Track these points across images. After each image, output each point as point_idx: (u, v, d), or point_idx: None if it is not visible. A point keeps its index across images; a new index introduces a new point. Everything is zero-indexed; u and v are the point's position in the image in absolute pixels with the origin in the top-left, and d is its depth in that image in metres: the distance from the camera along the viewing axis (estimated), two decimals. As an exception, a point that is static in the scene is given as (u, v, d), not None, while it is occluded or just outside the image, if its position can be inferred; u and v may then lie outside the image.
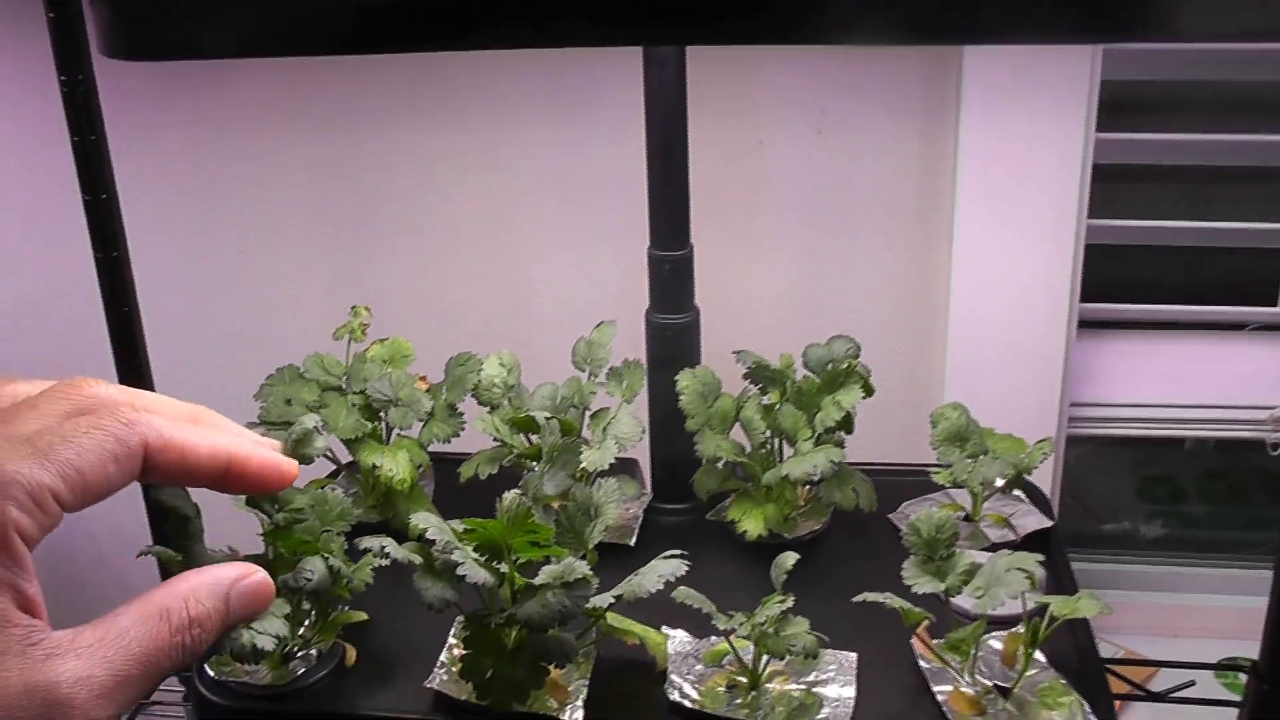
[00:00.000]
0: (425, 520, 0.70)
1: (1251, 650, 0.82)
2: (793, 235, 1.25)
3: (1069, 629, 0.77)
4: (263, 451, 0.52)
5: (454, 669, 0.75)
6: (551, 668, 0.72)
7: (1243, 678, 1.17)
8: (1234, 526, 1.53)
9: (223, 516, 0.73)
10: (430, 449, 0.91)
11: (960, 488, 0.89)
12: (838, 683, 0.75)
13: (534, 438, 0.88)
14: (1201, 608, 1.48)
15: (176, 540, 0.70)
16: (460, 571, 0.68)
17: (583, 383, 0.92)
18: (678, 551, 0.74)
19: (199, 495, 0.65)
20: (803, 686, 0.75)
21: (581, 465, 0.84)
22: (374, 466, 0.88)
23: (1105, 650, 0.80)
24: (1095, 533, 1.54)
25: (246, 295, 1.35)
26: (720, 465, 0.91)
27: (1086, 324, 1.30)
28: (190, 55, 0.84)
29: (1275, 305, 1.34)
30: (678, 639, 0.79)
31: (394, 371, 0.91)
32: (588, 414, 0.91)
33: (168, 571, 0.72)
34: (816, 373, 0.89)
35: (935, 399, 1.27)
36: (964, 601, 0.74)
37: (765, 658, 0.74)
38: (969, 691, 0.74)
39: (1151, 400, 1.33)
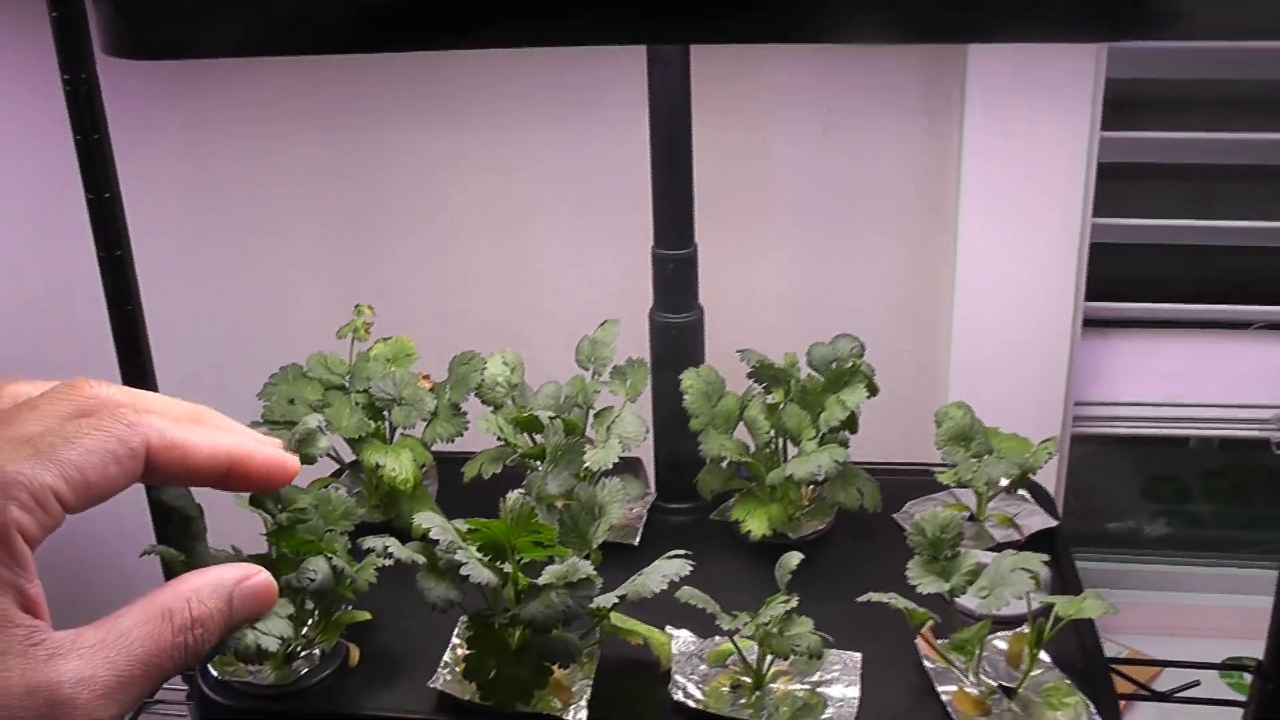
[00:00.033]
0: (429, 520, 0.70)
1: (1256, 650, 0.82)
2: (797, 234, 1.25)
3: (1074, 629, 0.77)
4: (265, 448, 0.52)
5: (458, 669, 0.75)
6: (555, 668, 0.72)
7: (1248, 677, 1.17)
8: (1238, 525, 1.53)
9: (226, 516, 0.72)
10: (434, 448, 0.91)
11: (965, 487, 0.89)
12: (842, 683, 0.75)
13: (538, 437, 0.88)
14: (1206, 607, 1.48)
15: (179, 540, 0.70)
16: (464, 571, 0.68)
17: (586, 382, 0.92)
18: (682, 551, 0.73)
19: (202, 494, 0.64)
20: (807, 687, 0.74)
21: (585, 465, 0.83)
22: (377, 466, 0.87)
23: (1109, 649, 0.79)
24: (1099, 532, 1.53)
25: (250, 294, 1.35)
26: (724, 465, 0.91)
27: (1091, 323, 1.30)
28: (193, 54, 0.84)
29: (1280, 304, 1.34)
30: (682, 639, 0.79)
31: (397, 370, 0.91)
32: (591, 413, 0.91)
33: (171, 571, 0.72)
34: (821, 372, 0.89)
35: (940, 398, 1.27)
36: (969, 601, 0.74)
37: (769, 658, 0.74)
38: (973, 692, 0.73)
39: (1156, 399, 1.32)
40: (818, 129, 1.20)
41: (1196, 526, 1.53)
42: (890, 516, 0.92)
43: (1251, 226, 1.29)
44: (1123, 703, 0.85)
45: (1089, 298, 1.24)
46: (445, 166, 1.27)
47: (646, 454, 0.96)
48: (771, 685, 0.74)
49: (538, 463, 0.86)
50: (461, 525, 0.70)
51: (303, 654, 0.77)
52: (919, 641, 0.77)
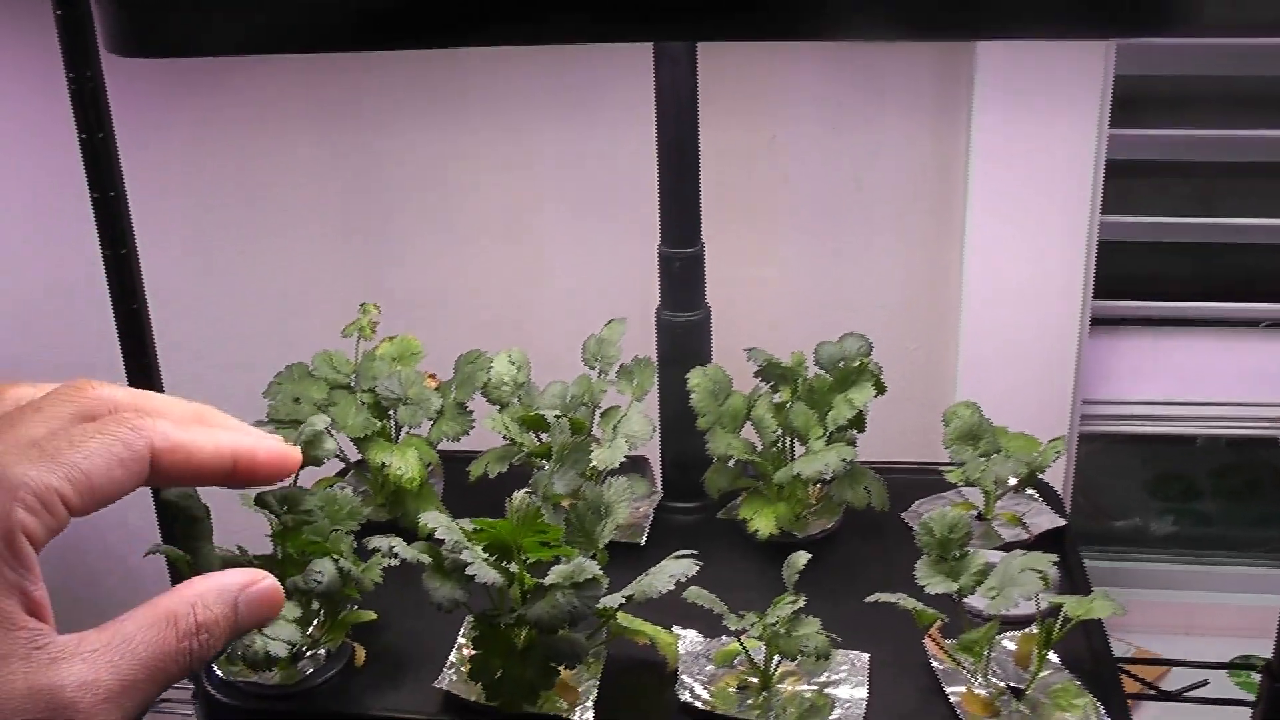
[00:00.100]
0: (434, 520, 0.70)
1: (1264, 649, 0.82)
2: (804, 232, 1.24)
3: (1083, 629, 0.77)
4: (267, 443, 0.52)
5: (463, 669, 0.75)
6: (561, 668, 0.72)
7: (1256, 677, 1.16)
8: (1246, 524, 1.53)
9: (231, 516, 0.72)
10: (439, 447, 0.91)
11: (973, 486, 0.89)
12: (850, 683, 0.74)
13: (544, 436, 0.88)
14: (1213, 605, 1.47)
15: (185, 541, 0.70)
16: (469, 571, 0.68)
17: (593, 381, 0.91)
18: (689, 551, 0.73)
19: (207, 495, 0.64)
20: (814, 687, 0.74)
21: (592, 464, 0.83)
22: (383, 465, 0.87)
23: (1116, 648, 0.79)
24: (1107, 530, 1.53)
25: (255, 293, 1.35)
26: (731, 464, 0.91)
27: (1099, 321, 1.29)
28: (198, 52, 0.84)
29: (1289, 302, 1.34)
30: (688, 639, 0.78)
31: (403, 369, 0.91)
32: (598, 412, 0.91)
33: (177, 571, 0.72)
34: (828, 370, 0.89)
35: (947, 396, 1.26)
36: (977, 602, 0.74)
37: (777, 658, 0.73)
38: (982, 693, 0.73)
39: (1164, 398, 1.32)
40: (826, 127, 1.20)
41: (1204, 525, 1.53)
42: (898, 515, 0.92)
43: (1260, 224, 1.28)
44: (1130, 702, 0.84)
45: (1097, 296, 1.24)
46: (451, 165, 1.26)
47: (653, 453, 0.96)
48: (779, 686, 0.74)
49: (544, 462, 0.85)
50: (467, 525, 0.70)
51: (308, 654, 0.77)
52: (927, 642, 0.76)
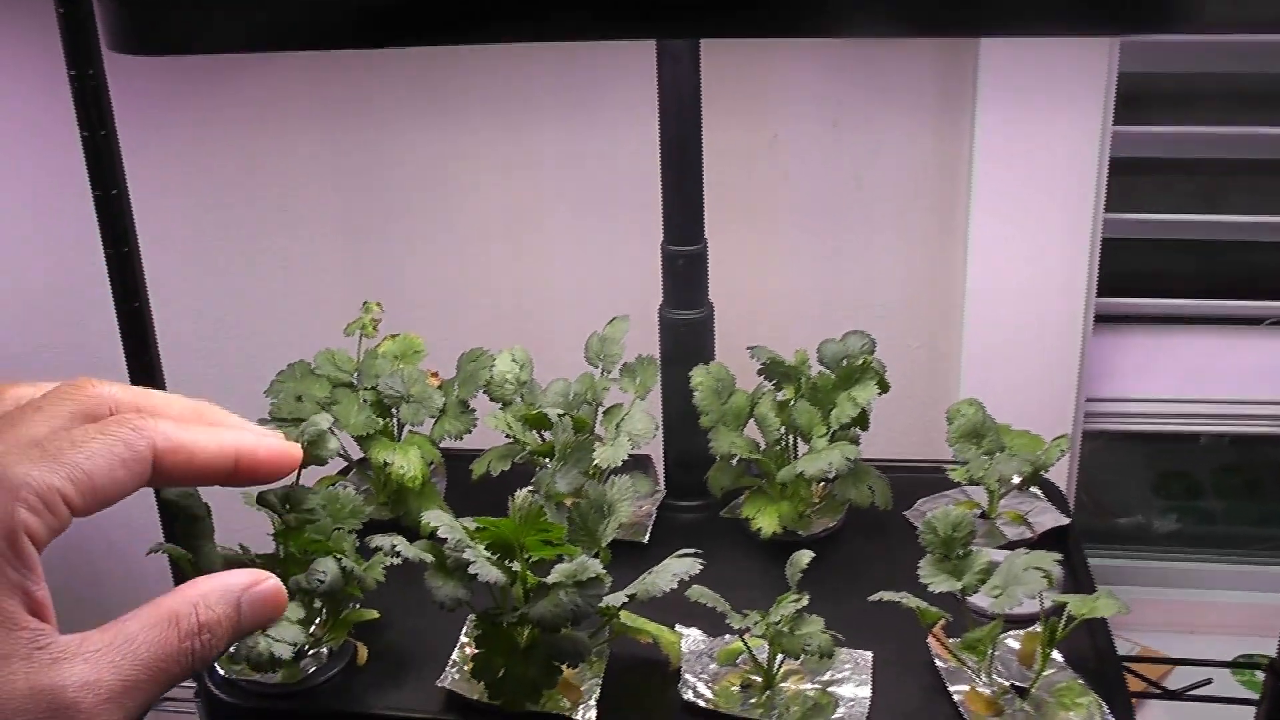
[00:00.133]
0: (437, 518, 0.70)
1: (1267, 647, 0.82)
2: (807, 230, 1.24)
3: (1086, 628, 0.77)
4: (268, 441, 0.52)
5: (466, 668, 0.75)
6: (564, 667, 0.72)
7: (1260, 675, 1.16)
8: (1250, 522, 1.52)
9: (233, 515, 0.72)
10: (442, 446, 0.91)
11: (976, 485, 0.88)
12: (853, 682, 0.74)
13: (546, 434, 0.88)
14: (1217, 603, 1.47)
15: (187, 540, 0.70)
16: (472, 570, 0.68)
17: (596, 379, 0.91)
18: (692, 550, 0.73)
19: (209, 493, 0.64)
20: (818, 686, 0.74)
21: (594, 462, 0.83)
22: (385, 464, 0.87)
23: (1120, 646, 0.79)
24: (1110, 528, 1.53)
25: (257, 291, 1.35)
26: (734, 462, 0.90)
27: (1103, 319, 1.29)
28: (200, 50, 0.84)
29: (1293, 299, 1.33)
30: (691, 638, 0.78)
31: (406, 367, 0.91)
32: (601, 410, 0.91)
33: (179, 570, 0.72)
34: (831, 369, 0.88)
35: (951, 395, 1.26)
36: (981, 600, 0.74)
37: (780, 657, 0.73)
38: (986, 691, 0.73)
39: (1168, 395, 1.32)
40: (828, 124, 1.19)
41: (1207, 523, 1.53)
42: (901, 514, 0.92)
43: (1264, 221, 1.28)
44: (1134, 701, 0.84)
45: (1100, 294, 1.23)
46: (454, 163, 1.26)
47: (656, 451, 0.96)
48: (782, 684, 0.74)
49: (547, 460, 0.85)
50: (470, 523, 0.70)
51: (310, 653, 0.77)
52: (931, 640, 0.76)
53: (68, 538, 0.45)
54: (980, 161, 1.17)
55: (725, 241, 0.99)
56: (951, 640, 0.75)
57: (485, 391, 0.91)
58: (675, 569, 0.71)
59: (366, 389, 0.90)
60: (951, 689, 0.73)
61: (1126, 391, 1.32)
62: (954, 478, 0.88)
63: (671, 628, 0.78)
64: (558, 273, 1.29)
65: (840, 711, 0.72)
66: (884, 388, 0.87)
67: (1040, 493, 0.93)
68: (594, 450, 0.83)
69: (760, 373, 0.89)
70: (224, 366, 1.38)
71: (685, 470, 0.95)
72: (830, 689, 0.74)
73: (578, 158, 1.24)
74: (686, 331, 0.92)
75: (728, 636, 0.77)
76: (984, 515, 0.90)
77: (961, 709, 0.72)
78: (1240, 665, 1.31)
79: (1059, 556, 0.71)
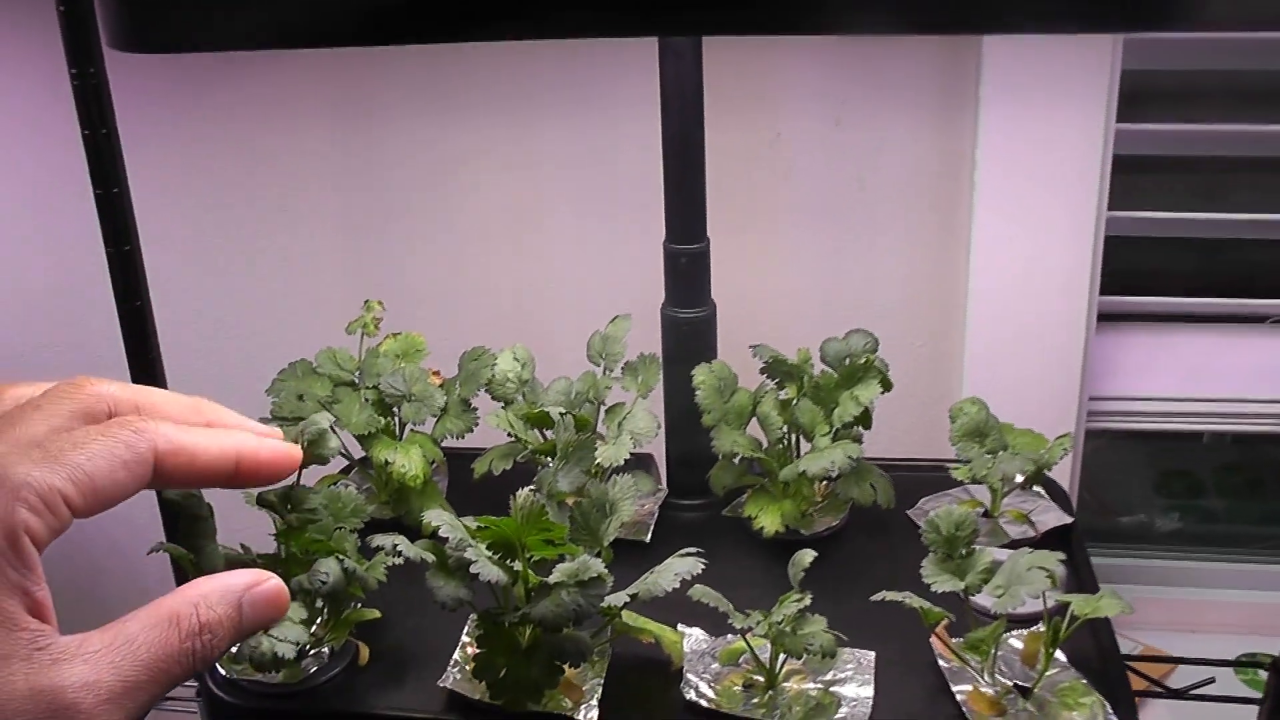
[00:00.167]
0: (438, 517, 0.69)
1: (1270, 646, 0.82)
2: (810, 228, 1.24)
3: (1090, 627, 0.77)
4: (269, 443, 0.52)
5: (467, 668, 0.74)
6: (566, 667, 0.72)
7: (1263, 674, 1.16)
8: (1252, 521, 1.52)
9: (235, 514, 0.72)
10: (444, 444, 0.91)
11: (979, 484, 0.88)
12: (855, 682, 0.74)
13: (548, 433, 0.88)
14: (1219, 602, 1.47)
15: (188, 539, 0.70)
16: (473, 570, 0.67)
17: (598, 377, 0.91)
18: (694, 549, 0.73)
19: (211, 491, 0.64)
20: (820, 686, 0.74)
21: (596, 461, 0.83)
22: (387, 462, 0.87)
23: (1122, 645, 0.79)
24: (1112, 527, 1.53)
25: (258, 290, 1.35)
26: (737, 461, 0.90)
27: (1105, 317, 1.29)
28: (201, 48, 0.84)
29: (1296, 298, 1.33)
30: (693, 637, 0.78)
31: (407, 366, 0.91)
32: (603, 409, 0.91)
33: (180, 569, 0.72)
34: (834, 367, 0.88)
35: (954, 393, 1.26)
36: (984, 600, 0.73)
37: (782, 656, 0.73)
38: (989, 691, 0.73)
39: (1171, 394, 1.32)
40: (830, 122, 1.19)
41: (1210, 522, 1.52)
42: (904, 513, 0.91)
43: (1267, 219, 1.28)
44: (1137, 700, 0.84)
45: (1103, 292, 1.23)
46: (455, 161, 1.26)
47: (658, 450, 0.96)
48: (784, 684, 0.74)
49: (548, 459, 0.85)
50: (471, 522, 0.70)
51: (312, 652, 0.77)
52: (934, 640, 0.76)
53: (70, 537, 0.45)
54: (982, 159, 1.16)
55: (727, 240, 0.99)
56: (954, 640, 0.75)
57: (487, 390, 0.90)
58: (677, 568, 0.71)
59: (368, 388, 0.90)
60: (954, 689, 0.73)
61: (1129, 390, 1.32)
62: (957, 476, 0.88)
63: (674, 627, 0.77)
64: (560, 271, 1.29)
65: (843, 711, 0.72)
66: (886, 386, 0.87)
67: (1043, 492, 0.93)
68: (596, 449, 0.83)
69: (763, 371, 0.89)
70: (225, 365, 1.37)
71: (687, 469, 0.94)
72: (833, 689, 0.73)
73: (580, 156, 1.24)
74: (689, 330, 0.92)
75: (730, 636, 0.77)
76: (987, 514, 0.90)
77: (964, 709, 0.72)
78: (1243, 664, 1.31)
79: (1062, 556, 0.71)
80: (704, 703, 0.73)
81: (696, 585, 0.72)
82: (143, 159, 1.06)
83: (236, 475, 0.50)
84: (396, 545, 0.71)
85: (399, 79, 1.23)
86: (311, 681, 0.76)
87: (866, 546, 0.89)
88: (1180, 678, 1.09)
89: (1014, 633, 0.76)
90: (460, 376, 0.91)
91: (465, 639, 0.78)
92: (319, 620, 0.76)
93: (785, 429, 0.88)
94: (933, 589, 0.72)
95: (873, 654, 0.76)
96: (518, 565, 0.70)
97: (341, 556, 0.73)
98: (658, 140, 0.88)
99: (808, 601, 0.71)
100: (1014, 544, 0.86)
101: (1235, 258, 1.37)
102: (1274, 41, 1.22)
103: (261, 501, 0.72)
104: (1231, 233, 1.31)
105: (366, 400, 0.89)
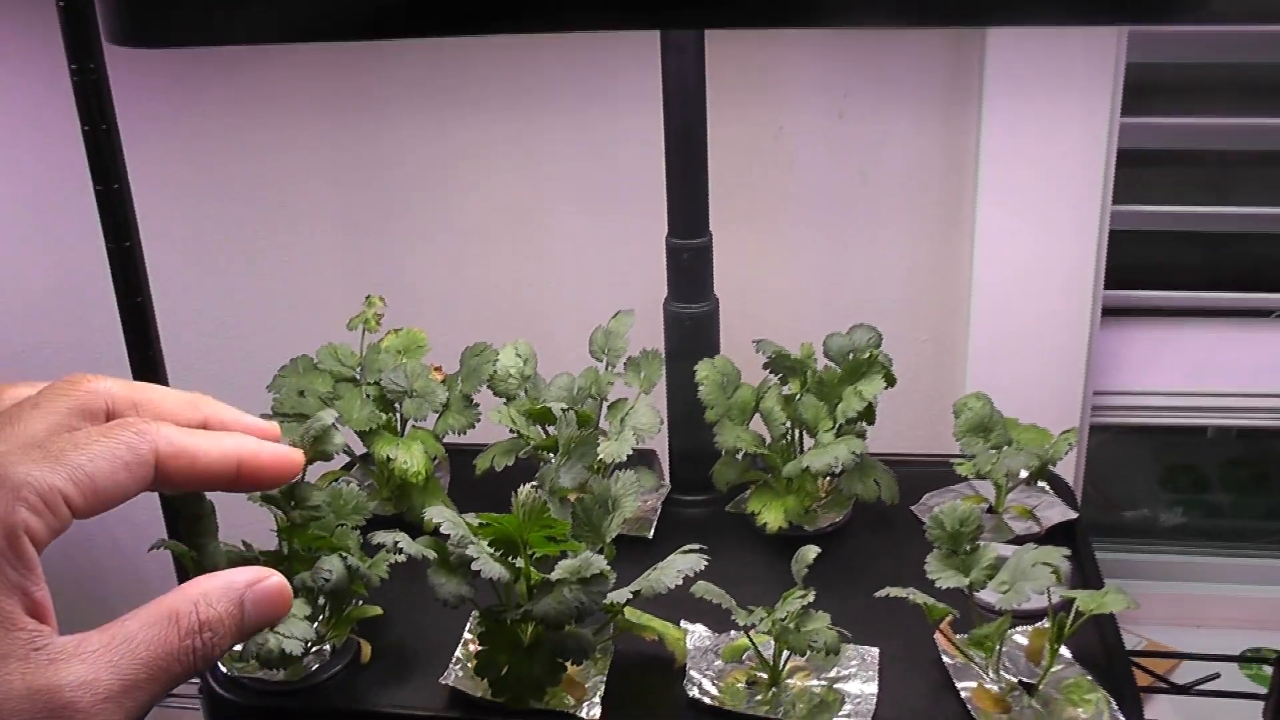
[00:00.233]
0: (439, 514, 0.69)
1: (1275, 640, 0.81)
2: (813, 222, 1.24)
3: (1094, 623, 0.76)
4: (270, 446, 0.51)
5: (469, 665, 0.74)
6: (568, 664, 0.71)
7: (1267, 669, 1.16)
8: (1257, 515, 1.52)
9: (237, 511, 0.72)
10: (445, 440, 0.90)
11: (984, 479, 0.88)
12: (859, 679, 0.74)
13: (550, 429, 0.88)
14: (1224, 597, 1.46)
15: (190, 536, 0.69)
16: (475, 566, 0.67)
17: (600, 373, 0.91)
18: (697, 546, 0.73)
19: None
20: (824, 682, 0.74)
21: (599, 457, 0.83)
22: (388, 458, 0.87)
23: (1126, 640, 0.78)
24: (1116, 521, 1.52)
25: (259, 285, 1.34)
26: (740, 457, 0.90)
27: (1110, 311, 1.28)
28: (201, 43, 0.83)
29: (1301, 292, 1.33)
30: (697, 634, 0.78)
31: (409, 362, 0.90)
32: (605, 405, 0.91)
33: (182, 566, 0.72)
34: (838, 362, 0.88)
35: (958, 388, 1.26)
36: (988, 596, 0.73)
37: (786, 653, 0.73)
38: (993, 688, 0.72)
39: (1175, 388, 1.31)
40: (834, 116, 1.19)
41: (1214, 516, 1.52)
42: (908, 509, 0.91)
43: (1272, 213, 1.28)
44: (1141, 695, 0.84)
45: (1108, 286, 1.23)
46: (456, 157, 1.26)
47: (661, 446, 0.95)
48: (788, 681, 0.74)
49: (551, 455, 0.85)
50: (473, 519, 0.69)
51: (313, 650, 0.76)
52: (938, 637, 0.76)
53: (71, 534, 0.45)
54: (987, 153, 1.16)
55: (730, 235, 0.99)
56: (959, 636, 0.75)
57: (489, 386, 0.90)
58: (680, 565, 0.71)
59: (369, 384, 0.90)
60: (959, 685, 0.73)
61: (1133, 384, 1.31)
62: (961, 472, 0.88)
63: (676, 624, 0.77)
64: (562, 266, 1.29)
65: (847, 708, 0.71)
66: (890, 381, 0.86)
67: (1048, 487, 0.92)
68: (598, 445, 0.83)
69: (766, 366, 0.89)
70: (226, 362, 1.37)
71: (690, 465, 0.94)
72: (836, 685, 0.73)
73: (582, 150, 1.24)
74: (691, 325, 0.92)
75: (733, 633, 0.77)
76: (991, 510, 0.89)
77: (969, 706, 0.71)
78: (1248, 660, 1.31)
79: (1067, 551, 0.71)
80: (707, 700, 0.73)
81: (699, 582, 0.72)
82: (142, 155, 1.05)
83: (238, 479, 0.50)
84: (398, 542, 0.71)
85: (400, 74, 1.23)
86: (313, 679, 0.76)
87: (870, 542, 0.89)
88: (1185, 673, 1.09)
89: (1019, 629, 0.76)
90: (462, 372, 0.91)
91: (467, 636, 0.78)
92: (321, 618, 0.76)
93: (788, 424, 0.87)
94: (937, 585, 0.72)
95: (877, 650, 0.76)
96: (520, 562, 0.70)
97: (345, 554, 0.73)
98: (660, 135, 0.88)
99: (811, 598, 0.71)
100: (1018, 540, 0.85)
101: (1240, 252, 1.37)
102: (1278, 35, 1.22)
103: (265, 498, 0.72)
104: (1236, 227, 1.30)
105: (368, 396, 0.89)
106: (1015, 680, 0.73)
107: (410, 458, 0.87)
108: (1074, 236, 1.18)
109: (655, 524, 0.91)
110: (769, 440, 0.89)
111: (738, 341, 0.92)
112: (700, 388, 0.88)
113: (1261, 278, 1.34)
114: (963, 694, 0.72)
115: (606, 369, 0.91)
